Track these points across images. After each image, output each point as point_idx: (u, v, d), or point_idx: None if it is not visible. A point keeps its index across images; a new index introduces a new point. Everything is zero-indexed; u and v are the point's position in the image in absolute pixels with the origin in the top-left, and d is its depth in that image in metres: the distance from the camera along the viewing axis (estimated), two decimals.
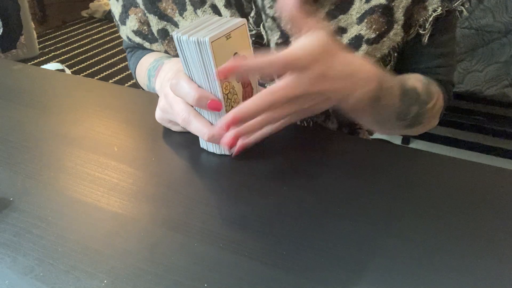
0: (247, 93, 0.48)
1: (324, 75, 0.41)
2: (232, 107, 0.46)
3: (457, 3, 0.54)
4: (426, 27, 0.55)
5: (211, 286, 0.33)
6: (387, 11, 0.54)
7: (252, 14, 0.56)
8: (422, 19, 0.56)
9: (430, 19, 0.55)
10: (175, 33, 0.42)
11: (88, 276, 0.34)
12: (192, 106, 0.46)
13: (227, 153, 0.49)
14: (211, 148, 0.49)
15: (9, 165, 0.48)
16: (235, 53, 0.44)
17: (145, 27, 0.65)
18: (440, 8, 0.54)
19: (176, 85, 0.45)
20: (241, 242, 0.37)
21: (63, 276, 0.34)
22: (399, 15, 0.54)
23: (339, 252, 0.36)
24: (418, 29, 0.56)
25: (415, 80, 0.56)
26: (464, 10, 0.55)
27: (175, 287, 0.33)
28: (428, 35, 0.56)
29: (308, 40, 0.40)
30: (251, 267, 0.35)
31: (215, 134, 0.44)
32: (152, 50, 0.69)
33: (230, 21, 0.44)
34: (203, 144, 0.50)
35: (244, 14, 0.56)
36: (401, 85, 0.53)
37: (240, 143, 0.46)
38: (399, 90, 0.52)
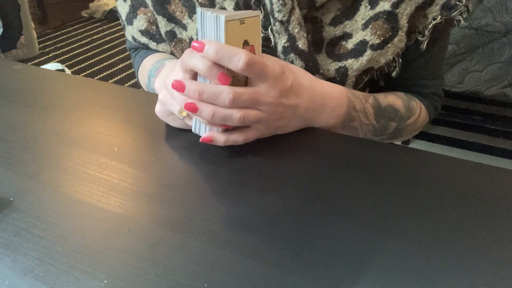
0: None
1: (297, 86, 0.46)
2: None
3: (455, 12, 0.55)
4: (425, 34, 0.56)
5: (211, 286, 0.33)
6: (391, 17, 0.55)
7: (261, 17, 0.57)
8: (421, 26, 0.56)
9: (430, 26, 0.56)
10: (199, 8, 0.45)
11: (88, 276, 0.34)
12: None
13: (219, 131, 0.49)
14: (203, 131, 0.49)
15: (9, 165, 0.48)
16: (245, 40, 0.46)
17: (153, 27, 0.66)
18: (440, 16, 0.55)
19: (190, 53, 0.45)
20: (241, 242, 0.37)
21: (63, 276, 0.34)
22: (404, 22, 0.55)
23: (339, 252, 0.36)
24: (418, 36, 0.57)
25: (394, 97, 0.58)
26: (462, 19, 0.56)
27: (175, 287, 0.33)
28: (426, 41, 0.57)
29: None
30: (251, 267, 0.35)
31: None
32: (157, 51, 0.69)
33: (248, 12, 0.46)
34: (196, 128, 0.49)
35: None
36: (376, 104, 0.54)
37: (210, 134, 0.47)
38: (374, 110, 0.54)
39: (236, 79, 0.46)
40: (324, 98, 0.52)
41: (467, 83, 1.90)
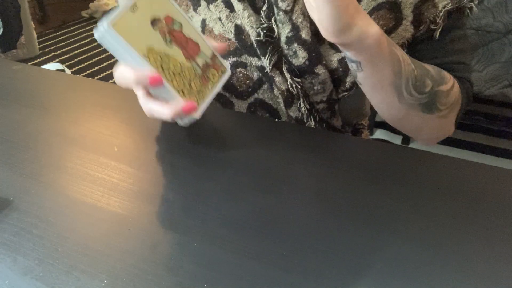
0: (191, 49, 0.46)
1: None
2: (174, 74, 0.44)
3: (465, 0, 0.55)
4: (438, 21, 0.56)
5: (211, 286, 0.33)
6: (394, 7, 0.55)
7: (264, 8, 0.57)
8: (432, 15, 0.56)
9: (441, 14, 0.55)
10: (96, 35, 0.41)
11: (88, 276, 0.34)
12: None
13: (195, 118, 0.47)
14: (187, 120, 0.48)
15: (9, 165, 0.48)
16: (153, 20, 0.42)
17: None
18: (450, 4, 0.55)
19: (116, 73, 0.45)
20: (241, 242, 0.37)
21: (63, 276, 0.34)
22: (407, 11, 0.55)
23: (339, 252, 0.36)
24: (430, 25, 0.56)
25: (422, 63, 0.55)
26: (474, 7, 0.55)
27: (175, 287, 0.33)
28: (439, 29, 0.56)
29: None
30: (251, 267, 0.35)
31: (177, 111, 0.44)
32: None
33: None
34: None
35: (256, 8, 0.57)
36: (408, 56, 0.51)
37: None
38: (410, 59, 0.51)
39: (168, 61, 0.44)
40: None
41: None
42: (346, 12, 0.42)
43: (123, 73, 0.45)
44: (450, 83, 0.57)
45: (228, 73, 0.51)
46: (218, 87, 0.49)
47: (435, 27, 0.56)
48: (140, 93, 0.46)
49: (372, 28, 0.44)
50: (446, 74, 0.57)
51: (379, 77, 0.50)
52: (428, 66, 0.55)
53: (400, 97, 0.52)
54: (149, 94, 0.45)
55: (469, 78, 0.64)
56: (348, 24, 0.43)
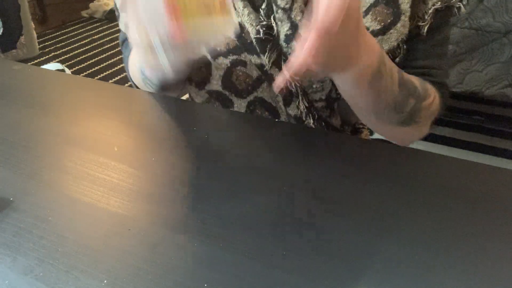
0: None
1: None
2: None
3: None
4: (426, 18, 0.56)
5: (211, 286, 0.33)
6: (391, 2, 0.55)
7: (263, 6, 0.57)
8: (421, 12, 0.56)
9: (430, 11, 0.56)
10: None
11: (88, 276, 0.34)
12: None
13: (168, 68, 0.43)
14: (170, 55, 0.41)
15: (9, 165, 0.48)
16: None
17: None
18: (440, 2, 0.55)
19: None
20: (241, 242, 0.37)
21: (63, 276, 0.34)
22: (406, 6, 0.55)
23: (339, 252, 0.36)
24: (418, 21, 0.57)
25: (411, 76, 0.56)
26: (462, 7, 0.56)
27: (175, 287, 0.33)
28: (427, 26, 0.57)
29: None
30: (251, 267, 0.35)
31: None
32: None
33: None
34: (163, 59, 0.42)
35: (255, 6, 0.58)
36: (400, 72, 0.52)
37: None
38: (398, 76, 0.52)
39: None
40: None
41: (467, 83, 1.90)
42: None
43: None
44: (432, 96, 0.58)
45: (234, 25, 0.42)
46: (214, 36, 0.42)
47: (423, 23, 0.57)
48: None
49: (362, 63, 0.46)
50: (429, 88, 0.58)
51: (355, 103, 0.52)
52: (416, 80, 0.56)
53: (378, 115, 0.54)
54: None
55: (445, 83, 0.65)
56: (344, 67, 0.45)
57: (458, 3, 0.56)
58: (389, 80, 0.50)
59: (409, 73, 0.61)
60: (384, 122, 0.55)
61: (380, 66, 0.47)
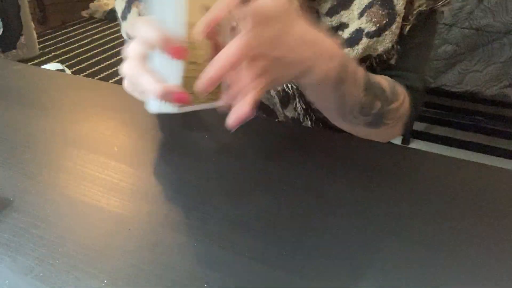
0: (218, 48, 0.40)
1: (283, 36, 0.39)
2: (195, 62, 0.40)
3: (440, 3, 0.56)
4: (409, 18, 0.56)
5: (211, 286, 0.33)
6: (386, 3, 0.55)
7: None
8: (409, 13, 0.57)
9: (415, 12, 0.56)
10: None
11: (88, 276, 0.34)
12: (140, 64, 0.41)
13: (176, 111, 0.42)
14: (163, 108, 0.42)
15: (9, 165, 0.48)
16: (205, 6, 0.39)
17: None
18: (425, 5, 0.56)
19: (138, 24, 0.40)
20: (241, 242, 0.37)
21: (63, 276, 0.34)
22: (400, 7, 0.55)
23: (339, 252, 0.36)
24: (402, 22, 0.57)
25: (380, 78, 0.56)
26: (445, 11, 0.56)
27: (175, 287, 0.33)
28: (409, 27, 0.57)
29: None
30: (251, 267, 0.35)
31: (166, 90, 0.39)
32: None
33: None
34: (153, 106, 0.44)
35: None
36: (366, 76, 0.52)
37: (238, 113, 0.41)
38: (364, 80, 0.52)
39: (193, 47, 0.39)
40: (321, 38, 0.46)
41: (467, 83, 1.90)
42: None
43: (140, 23, 0.40)
44: (401, 99, 0.58)
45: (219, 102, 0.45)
46: (212, 105, 0.45)
47: (406, 23, 0.57)
48: (136, 50, 0.41)
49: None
50: (399, 90, 0.58)
51: (320, 106, 0.53)
52: (385, 82, 0.56)
53: (344, 118, 0.54)
54: (145, 58, 0.41)
55: (419, 88, 0.64)
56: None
57: (443, 8, 0.56)
58: (353, 85, 0.50)
59: (383, 74, 0.61)
60: (351, 123, 0.56)
61: (340, 72, 0.47)
